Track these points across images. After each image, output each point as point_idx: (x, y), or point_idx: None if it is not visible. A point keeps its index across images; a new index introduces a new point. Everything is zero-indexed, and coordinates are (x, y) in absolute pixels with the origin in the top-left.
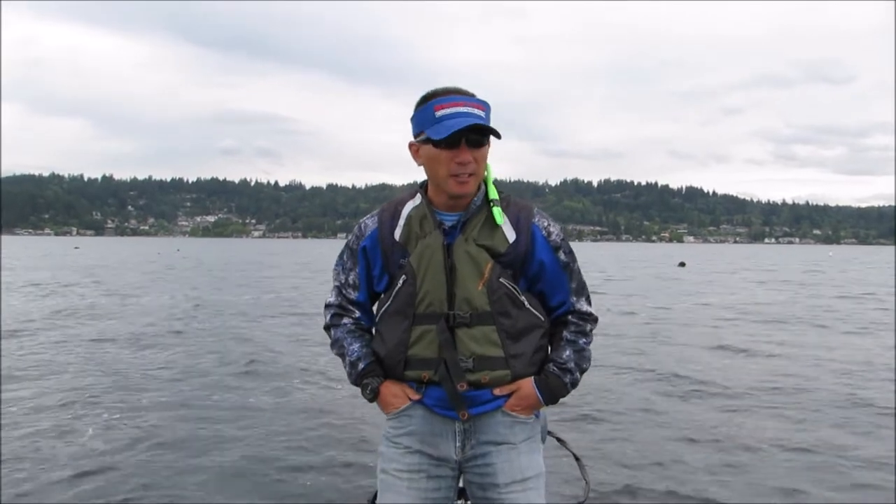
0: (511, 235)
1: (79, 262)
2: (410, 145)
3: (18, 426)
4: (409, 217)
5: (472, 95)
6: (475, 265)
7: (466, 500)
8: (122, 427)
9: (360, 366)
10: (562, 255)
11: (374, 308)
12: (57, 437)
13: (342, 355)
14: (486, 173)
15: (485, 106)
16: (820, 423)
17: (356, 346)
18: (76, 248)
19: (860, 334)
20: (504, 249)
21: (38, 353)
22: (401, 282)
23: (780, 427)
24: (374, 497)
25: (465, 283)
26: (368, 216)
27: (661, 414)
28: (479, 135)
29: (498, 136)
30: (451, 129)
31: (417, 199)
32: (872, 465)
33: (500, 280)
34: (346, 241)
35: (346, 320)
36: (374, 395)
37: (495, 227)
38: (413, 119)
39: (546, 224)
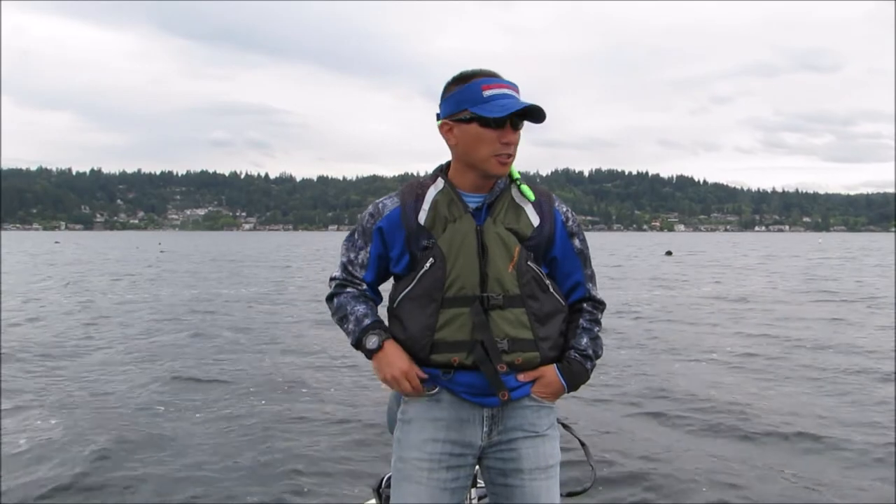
0: (535, 220)
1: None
2: (443, 124)
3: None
4: (434, 202)
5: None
6: (505, 248)
7: (473, 487)
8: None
9: (366, 321)
10: (577, 242)
11: (390, 293)
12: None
13: (345, 317)
14: None
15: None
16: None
17: (362, 307)
18: (56, 242)
19: None
20: (530, 233)
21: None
22: (428, 265)
23: (795, 406)
24: (380, 484)
25: (496, 265)
26: (386, 197)
27: (668, 399)
28: (519, 118)
29: (543, 119)
30: (509, 108)
31: (440, 183)
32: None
33: (528, 263)
34: (336, 231)
35: (350, 289)
36: (377, 348)
37: (520, 211)
38: (451, 98)
39: (565, 210)
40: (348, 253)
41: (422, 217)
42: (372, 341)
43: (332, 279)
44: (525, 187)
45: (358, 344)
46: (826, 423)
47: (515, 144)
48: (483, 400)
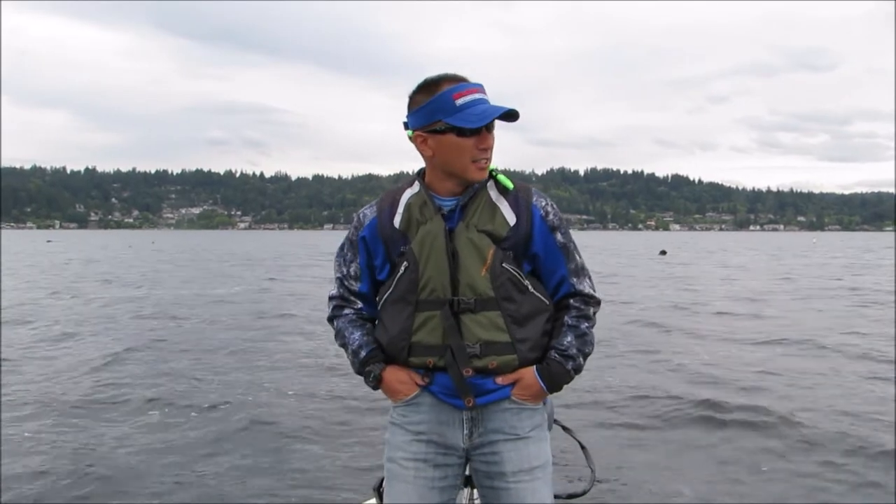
0: (511, 218)
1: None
2: (416, 136)
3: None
4: (408, 204)
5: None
6: (478, 251)
7: (472, 487)
8: None
9: (362, 354)
10: (559, 236)
11: (377, 297)
12: None
13: (344, 345)
14: None
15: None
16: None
17: (357, 334)
18: (48, 241)
19: None
20: (505, 233)
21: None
22: (402, 268)
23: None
24: (380, 484)
25: (467, 270)
26: (367, 206)
27: (670, 403)
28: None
29: (517, 118)
30: (486, 116)
31: (416, 186)
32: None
33: (504, 265)
34: (331, 231)
35: (347, 311)
36: (377, 383)
37: (495, 210)
38: (421, 110)
39: (544, 204)
40: (341, 268)
41: (397, 220)
42: (370, 379)
43: (330, 298)
44: (502, 176)
45: (358, 374)
46: (837, 422)
47: (492, 147)
48: (458, 402)
